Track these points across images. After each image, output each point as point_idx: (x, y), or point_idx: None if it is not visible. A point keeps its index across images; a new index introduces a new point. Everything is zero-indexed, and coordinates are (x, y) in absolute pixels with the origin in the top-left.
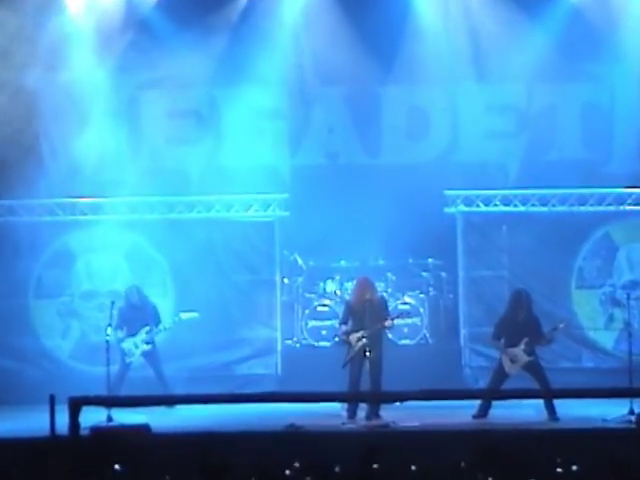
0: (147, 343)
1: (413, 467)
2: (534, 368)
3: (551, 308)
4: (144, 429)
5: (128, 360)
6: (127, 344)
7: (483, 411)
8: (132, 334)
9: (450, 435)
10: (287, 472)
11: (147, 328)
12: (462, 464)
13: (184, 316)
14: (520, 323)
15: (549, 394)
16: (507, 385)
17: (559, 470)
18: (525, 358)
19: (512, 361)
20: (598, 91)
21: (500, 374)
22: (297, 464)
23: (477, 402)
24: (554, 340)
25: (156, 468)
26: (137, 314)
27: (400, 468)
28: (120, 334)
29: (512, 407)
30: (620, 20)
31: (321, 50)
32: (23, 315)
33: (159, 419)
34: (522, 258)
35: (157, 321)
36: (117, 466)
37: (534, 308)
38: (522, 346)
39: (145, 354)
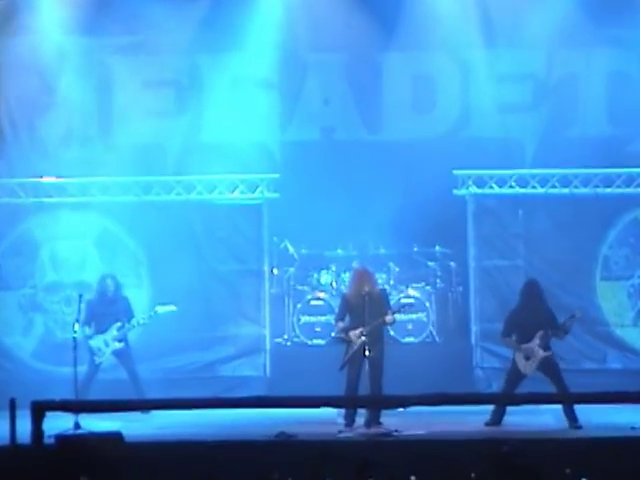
0: (119, 341)
1: (413, 477)
2: (550, 366)
3: (573, 302)
4: (116, 438)
5: (98, 360)
6: (96, 342)
7: (496, 418)
8: (102, 331)
9: (460, 445)
10: None
11: (119, 324)
12: (473, 476)
13: (161, 310)
14: (533, 316)
15: (569, 398)
16: (522, 389)
17: None
18: (541, 353)
19: (527, 358)
20: (627, 59)
21: (515, 375)
22: None
23: (490, 408)
24: (570, 331)
25: None
26: (108, 308)
27: None
28: (89, 331)
29: (529, 413)
30: None
31: (316, 13)
32: None
33: (133, 426)
34: (540, 246)
35: (130, 316)
36: None
37: (547, 299)
38: (537, 340)
39: (117, 353)
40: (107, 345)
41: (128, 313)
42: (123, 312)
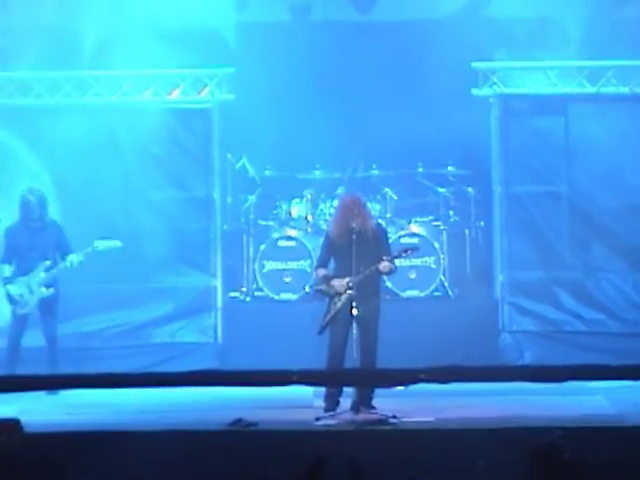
0: (47, 286)
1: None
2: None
3: (631, 239)
4: (11, 426)
5: (20, 311)
6: (17, 288)
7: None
8: (25, 272)
9: (480, 435)
10: None
11: (48, 262)
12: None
13: (101, 245)
14: None
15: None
16: (566, 360)
17: None
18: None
19: None
20: None
21: None
22: None
23: (522, 386)
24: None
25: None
26: (34, 238)
27: None
28: (8, 271)
29: (576, 393)
30: None
31: None
32: None
33: (34, 411)
34: (589, 165)
35: (64, 251)
36: None
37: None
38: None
39: (43, 304)
40: (32, 292)
41: (61, 246)
42: (54, 244)
